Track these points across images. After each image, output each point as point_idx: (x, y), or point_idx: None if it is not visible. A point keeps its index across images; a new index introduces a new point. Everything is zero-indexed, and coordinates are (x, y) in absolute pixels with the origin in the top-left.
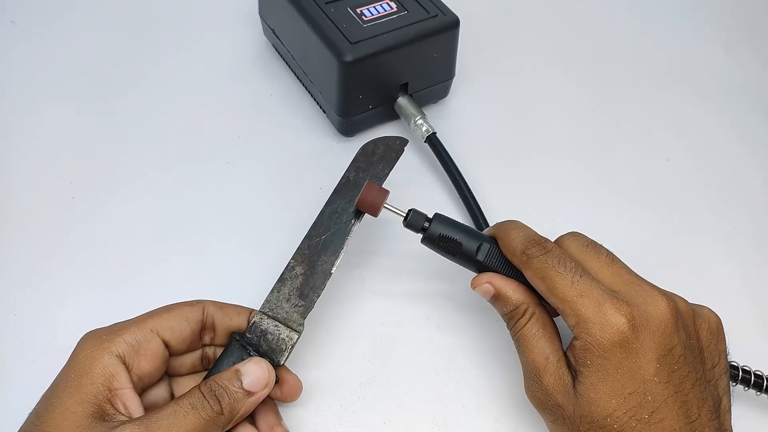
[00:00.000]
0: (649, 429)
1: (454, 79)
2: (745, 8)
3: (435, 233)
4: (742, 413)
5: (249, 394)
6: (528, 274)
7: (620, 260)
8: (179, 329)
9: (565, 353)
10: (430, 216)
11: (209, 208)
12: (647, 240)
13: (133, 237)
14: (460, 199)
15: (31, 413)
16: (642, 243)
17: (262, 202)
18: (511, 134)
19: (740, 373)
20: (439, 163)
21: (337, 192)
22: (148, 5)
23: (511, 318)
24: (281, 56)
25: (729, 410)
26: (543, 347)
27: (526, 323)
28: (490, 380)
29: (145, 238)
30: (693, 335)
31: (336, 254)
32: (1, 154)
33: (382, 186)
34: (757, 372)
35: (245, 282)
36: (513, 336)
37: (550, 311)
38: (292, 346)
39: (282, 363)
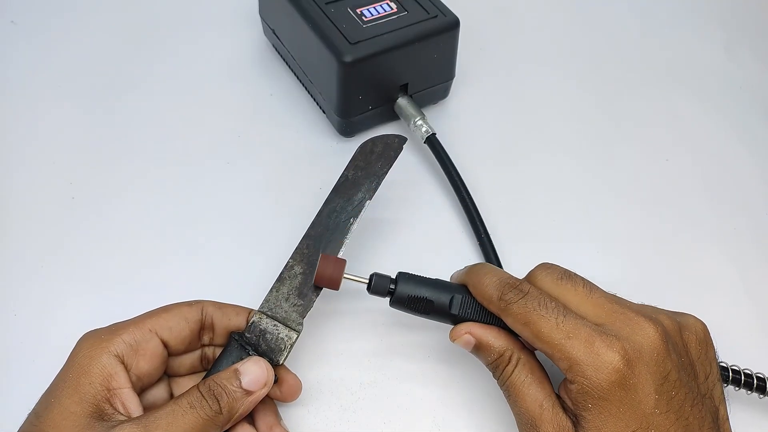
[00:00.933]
0: None
1: (455, 80)
2: (745, 8)
3: (403, 295)
4: (734, 412)
5: (248, 393)
6: (509, 321)
7: (598, 288)
8: (178, 329)
9: (558, 395)
10: (394, 276)
11: (209, 208)
12: (647, 240)
13: (132, 237)
14: (459, 201)
15: (30, 413)
16: (642, 243)
17: (261, 202)
18: (511, 135)
19: (730, 374)
20: (438, 164)
21: (335, 191)
22: (148, 5)
23: (497, 367)
24: (281, 56)
25: (727, 418)
26: (535, 394)
27: (513, 370)
28: (491, 380)
29: (145, 238)
30: (683, 353)
31: (335, 254)
32: (2, 154)
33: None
34: (746, 371)
35: (244, 281)
36: (501, 386)
37: (533, 353)
38: (291, 346)
39: (281, 362)
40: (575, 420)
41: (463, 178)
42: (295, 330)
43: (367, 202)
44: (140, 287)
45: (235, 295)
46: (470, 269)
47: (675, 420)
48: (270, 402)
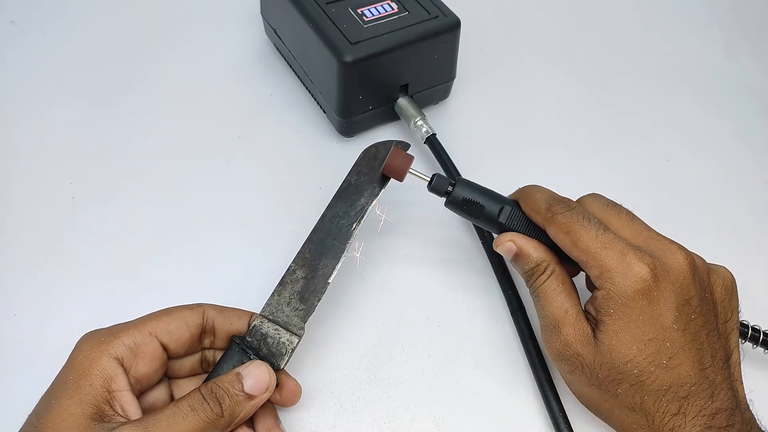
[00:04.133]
0: (666, 373)
1: (455, 81)
2: (745, 8)
3: (458, 197)
4: (748, 371)
5: (250, 397)
6: (552, 230)
7: (639, 218)
8: (178, 333)
9: (584, 308)
10: (454, 180)
11: (209, 208)
12: None
13: (133, 237)
14: None
15: (30, 414)
16: None
17: (262, 202)
18: (512, 135)
19: (750, 331)
20: (438, 164)
21: (338, 196)
22: (148, 5)
23: (532, 275)
24: (282, 56)
25: (739, 363)
26: (562, 301)
27: (546, 279)
28: (491, 380)
29: (145, 238)
30: (708, 289)
31: (337, 259)
32: (2, 154)
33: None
34: (766, 331)
35: (245, 282)
36: (532, 292)
37: (568, 271)
38: (293, 350)
39: (282, 367)
40: (596, 326)
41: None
42: (296, 335)
43: (370, 207)
44: (140, 288)
45: (236, 295)
46: (524, 187)
47: (690, 340)
48: (269, 405)
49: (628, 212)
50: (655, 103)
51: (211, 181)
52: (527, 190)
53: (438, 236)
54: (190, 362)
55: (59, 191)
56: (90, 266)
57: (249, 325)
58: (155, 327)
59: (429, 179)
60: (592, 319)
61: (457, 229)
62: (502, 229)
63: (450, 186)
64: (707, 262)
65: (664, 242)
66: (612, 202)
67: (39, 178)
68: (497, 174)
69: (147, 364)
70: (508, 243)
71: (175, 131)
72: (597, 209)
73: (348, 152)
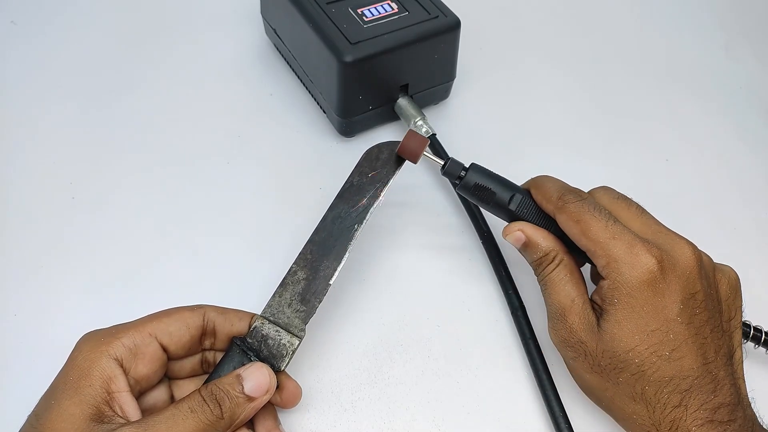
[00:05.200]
0: (668, 365)
1: (456, 81)
2: (745, 8)
3: (470, 182)
4: (749, 370)
5: (250, 399)
6: (562, 219)
7: (649, 212)
8: (178, 334)
9: (591, 298)
10: (467, 165)
11: (209, 208)
12: None
13: (132, 237)
14: (460, 201)
15: (30, 414)
16: None
17: (262, 202)
18: (512, 135)
19: (752, 331)
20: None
21: (340, 197)
22: (148, 4)
23: (540, 264)
24: (282, 56)
25: (741, 362)
26: (569, 290)
27: (554, 269)
28: (491, 380)
29: (145, 238)
30: (713, 286)
31: (339, 260)
32: (2, 154)
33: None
34: (757, 326)
35: (245, 282)
36: (540, 281)
37: (576, 262)
38: (293, 352)
39: (282, 368)
40: (600, 315)
41: None
42: (297, 336)
43: (372, 208)
44: (140, 288)
45: (236, 295)
46: (536, 177)
47: (694, 334)
48: (269, 406)
49: (638, 206)
50: (655, 103)
51: (211, 181)
52: (539, 180)
53: (438, 237)
54: (191, 363)
55: (59, 191)
56: (90, 266)
57: (250, 326)
58: (155, 328)
59: (443, 163)
60: (598, 308)
61: (457, 229)
62: (512, 216)
63: (463, 171)
64: (712, 258)
65: (672, 236)
66: (622, 195)
67: (39, 178)
68: (498, 173)
69: (146, 366)
70: (517, 232)
71: (176, 131)
72: (607, 201)
73: (348, 152)
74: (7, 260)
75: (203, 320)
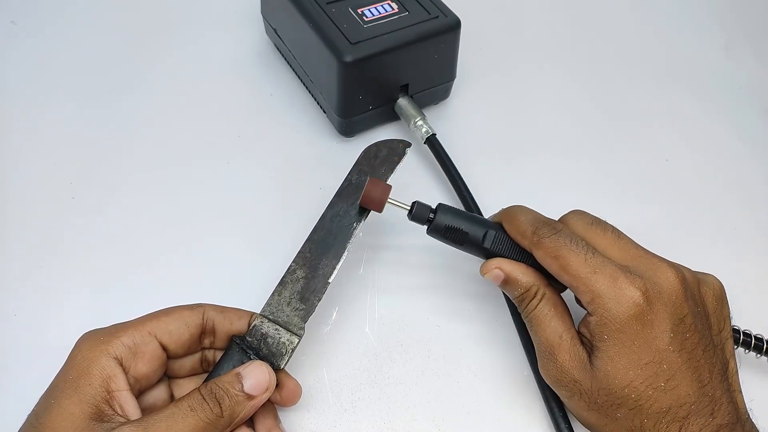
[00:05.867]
0: (664, 396)
1: (456, 81)
2: (745, 8)
3: (440, 224)
4: (743, 376)
5: (250, 397)
6: (539, 254)
7: (625, 235)
8: (178, 333)
9: (578, 331)
10: (435, 207)
11: (209, 208)
12: (647, 240)
13: (132, 237)
14: (460, 201)
15: (30, 414)
16: (641, 243)
17: (262, 202)
18: (512, 135)
19: (741, 336)
20: (438, 164)
21: (339, 195)
22: (149, 4)
23: (523, 300)
24: (283, 56)
25: (736, 372)
26: (556, 326)
27: (537, 304)
28: (491, 381)
29: (145, 238)
30: (700, 303)
31: (337, 258)
32: (2, 154)
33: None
34: (757, 335)
35: (245, 281)
36: (525, 318)
37: (558, 290)
38: (293, 350)
39: (282, 367)
40: (591, 351)
41: (464, 178)
42: (296, 334)
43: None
44: (140, 287)
45: (235, 295)
46: (508, 209)
47: (687, 359)
48: (269, 404)
49: (614, 229)
50: (655, 103)
51: (211, 181)
52: (511, 212)
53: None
54: (190, 362)
55: (59, 191)
56: (90, 266)
57: (249, 325)
58: (154, 327)
59: (409, 208)
60: (587, 342)
61: None
62: (488, 254)
63: (431, 213)
64: (694, 271)
65: (652, 260)
66: (596, 219)
67: (39, 178)
68: (498, 174)
69: (146, 364)
70: (495, 270)
71: (176, 131)
72: (581, 228)
73: (348, 152)
74: (7, 260)
75: (203, 319)
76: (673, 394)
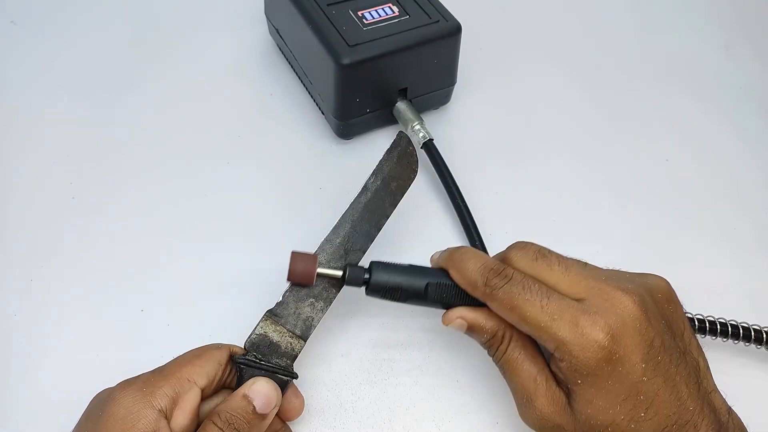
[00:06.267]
0: (647, 425)
1: (457, 86)
2: (745, 8)
3: (378, 285)
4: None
5: (262, 417)
6: (494, 306)
7: (573, 263)
8: (213, 373)
9: (551, 369)
10: (368, 266)
11: (209, 208)
12: (647, 241)
13: (132, 237)
14: (453, 208)
15: None
16: (642, 244)
17: (262, 202)
18: (513, 140)
19: (696, 323)
20: (434, 170)
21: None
22: (150, 4)
23: (491, 346)
24: (285, 56)
25: (708, 368)
26: (529, 369)
27: (506, 349)
28: (491, 381)
29: (145, 238)
30: (659, 315)
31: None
32: (2, 154)
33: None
34: (709, 318)
35: (245, 281)
36: (496, 363)
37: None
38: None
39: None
40: (568, 393)
41: (458, 184)
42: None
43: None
44: (141, 288)
45: (234, 294)
46: (451, 253)
47: (663, 383)
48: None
49: (560, 260)
50: (655, 103)
51: (211, 181)
52: (456, 258)
53: (439, 237)
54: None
55: (59, 191)
56: (90, 266)
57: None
58: (192, 372)
59: (340, 274)
60: (562, 381)
61: (458, 230)
62: (436, 304)
63: (366, 274)
64: (637, 277)
65: (606, 291)
66: (540, 251)
67: (39, 178)
68: (498, 179)
69: (187, 416)
70: (457, 320)
71: (176, 131)
72: (527, 265)
73: (348, 153)
74: (7, 260)
75: (228, 354)
76: (655, 421)
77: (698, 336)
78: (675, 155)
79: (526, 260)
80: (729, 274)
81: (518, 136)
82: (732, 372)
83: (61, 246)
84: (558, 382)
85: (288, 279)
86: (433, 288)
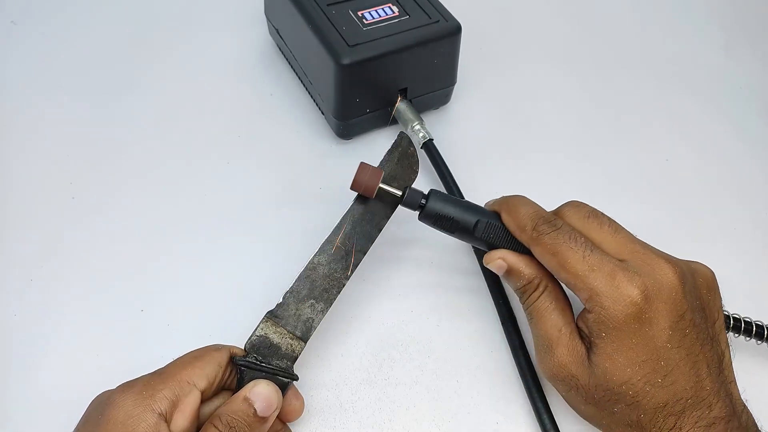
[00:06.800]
0: (662, 392)
1: (457, 86)
2: (745, 8)
3: (431, 211)
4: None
5: (263, 420)
6: (538, 251)
7: (622, 228)
8: (213, 375)
9: (577, 324)
10: (426, 192)
11: (209, 208)
12: (648, 240)
13: (132, 237)
14: None
15: None
16: None
17: (262, 202)
18: (513, 140)
19: (731, 321)
20: (434, 170)
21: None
22: (151, 3)
23: (524, 292)
24: (285, 57)
25: (730, 363)
26: (555, 320)
27: (539, 297)
28: (490, 381)
29: (145, 238)
30: (696, 296)
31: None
32: (2, 155)
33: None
34: (746, 319)
35: (244, 281)
36: (526, 309)
37: (560, 284)
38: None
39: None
40: (589, 347)
41: (458, 184)
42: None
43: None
44: (140, 288)
45: (234, 294)
46: (507, 198)
47: (685, 356)
48: None
49: (611, 222)
50: (655, 103)
51: (211, 181)
52: (512, 203)
53: (438, 237)
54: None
55: (59, 191)
56: (90, 266)
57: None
58: (191, 375)
59: (401, 194)
60: (586, 336)
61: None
62: (481, 242)
63: (423, 199)
64: (686, 261)
65: (650, 256)
66: (593, 211)
67: (39, 178)
68: (496, 180)
69: (186, 419)
70: (498, 260)
71: (176, 131)
72: (578, 222)
73: (348, 153)
74: (7, 260)
75: (228, 356)
76: (670, 390)
77: (730, 335)
78: (675, 155)
79: (578, 216)
80: (729, 274)
81: (518, 135)
82: (759, 373)
83: (61, 246)
84: (582, 337)
85: (351, 187)
86: (482, 225)
